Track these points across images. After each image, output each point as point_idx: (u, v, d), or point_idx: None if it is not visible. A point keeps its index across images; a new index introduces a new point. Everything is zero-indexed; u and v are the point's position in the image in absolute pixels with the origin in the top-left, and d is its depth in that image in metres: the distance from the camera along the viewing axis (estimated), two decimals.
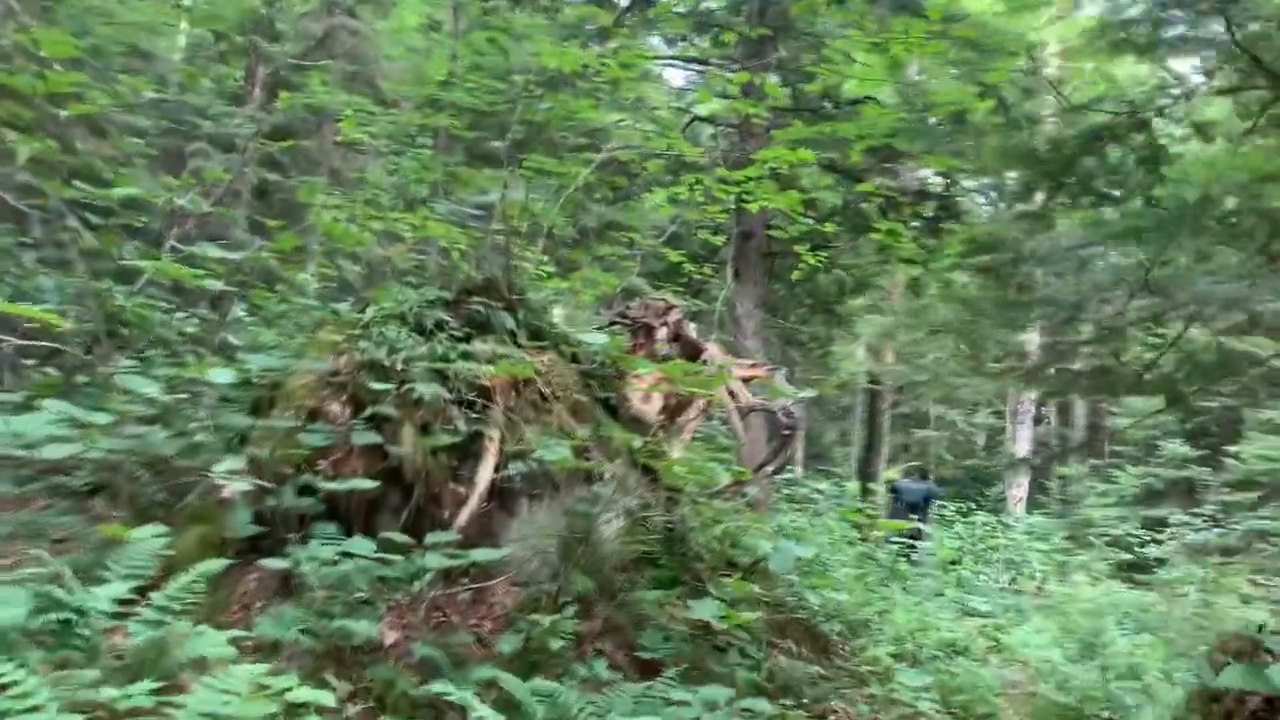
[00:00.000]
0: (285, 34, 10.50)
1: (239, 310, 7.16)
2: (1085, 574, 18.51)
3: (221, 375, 3.59)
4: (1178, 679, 5.76)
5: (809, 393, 4.33)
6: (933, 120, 10.43)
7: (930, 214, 14.96)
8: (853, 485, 19.87)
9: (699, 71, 14.09)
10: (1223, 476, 17.72)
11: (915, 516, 12.73)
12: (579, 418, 5.09)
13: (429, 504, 4.43)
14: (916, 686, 4.87)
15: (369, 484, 3.67)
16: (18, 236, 7.00)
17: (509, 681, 3.33)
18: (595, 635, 4.30)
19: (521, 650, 3.71)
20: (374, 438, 4.14)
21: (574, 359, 5.44)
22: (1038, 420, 29.34)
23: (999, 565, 15.42)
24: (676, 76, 22.14)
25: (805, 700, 4.38)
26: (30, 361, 5.82)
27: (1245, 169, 6.94)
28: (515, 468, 4.50)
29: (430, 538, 3.64)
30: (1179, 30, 7.36)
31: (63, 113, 5.13)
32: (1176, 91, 7.30)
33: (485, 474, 4.53)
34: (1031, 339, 19.22)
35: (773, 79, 11.06)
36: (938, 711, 4.82)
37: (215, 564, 3.16)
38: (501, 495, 4.59)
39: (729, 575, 4.99)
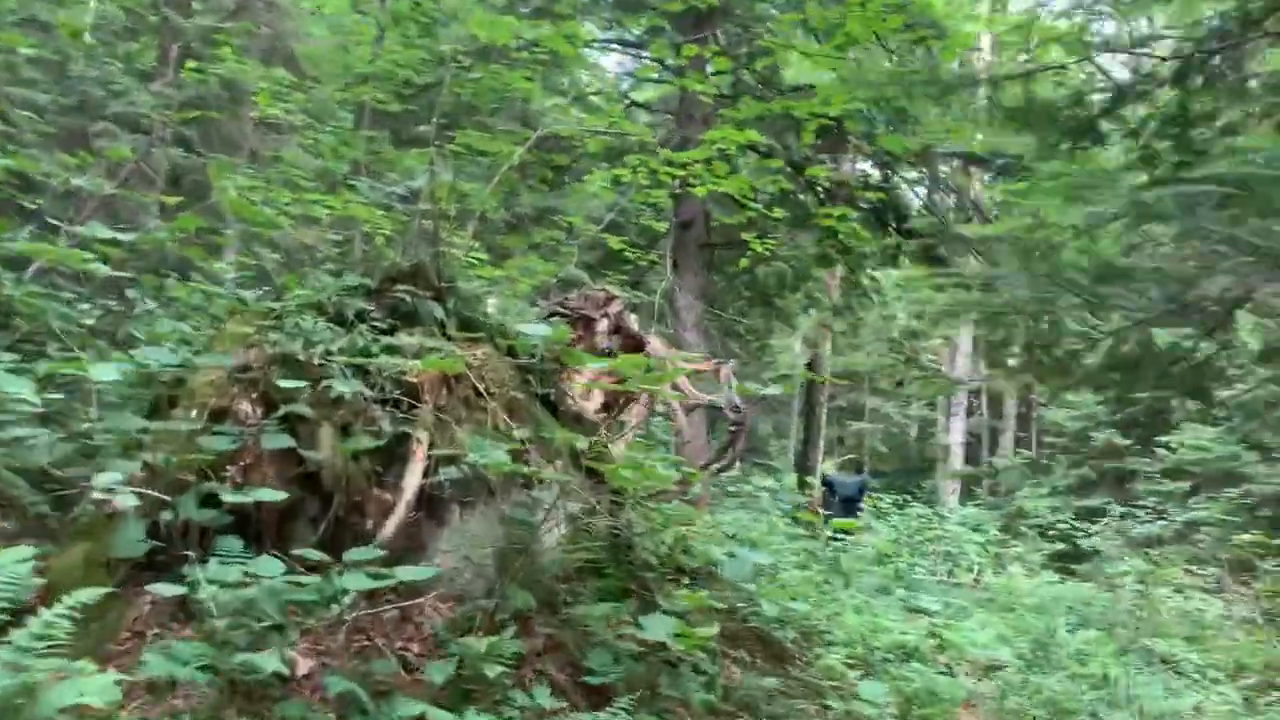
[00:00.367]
0: (197, 8, 9.87)
1: (148, 301, 6.62)
2: (1021, 565, 18.63)
3: (105, 371, 3.13)
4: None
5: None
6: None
7: (872, 204, 14.81)
8: (789, 479, 19.70)
9: (635, 55, 13.71)
10: (1156, 466, 17.90)
11: (849, 509, 12.72)
12: (516, 416, 4.69)
13: (350, 513, 4.00)
14: (876, 699, 4.58)
15: (279, 495, 3.24)
16: None
17: (439, 718, 2.93)
18: (536, 655, 3.91)
19: (454, 678, 3.31)
20: (287, 441, 3.70)
21: (510, 352, 5.04)
22: (970, 412, 29.62)
23: (936, 557, 15.35)
24: (609, 63, 21.76)
25: (763, 718, 4.06)
26: None
27: None
28: (446, 472, 4.08)
29: (351, 554, 3.21)
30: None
31: None
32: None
33: (413, 479, 4.11)
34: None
35: (711, 65, 10.73)
36: None
37: (92, 592, 2.71)
38: (431, 502, 4.18)
39: (678, 582, 4.65)
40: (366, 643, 3.60)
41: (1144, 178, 7.61)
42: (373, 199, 5.43)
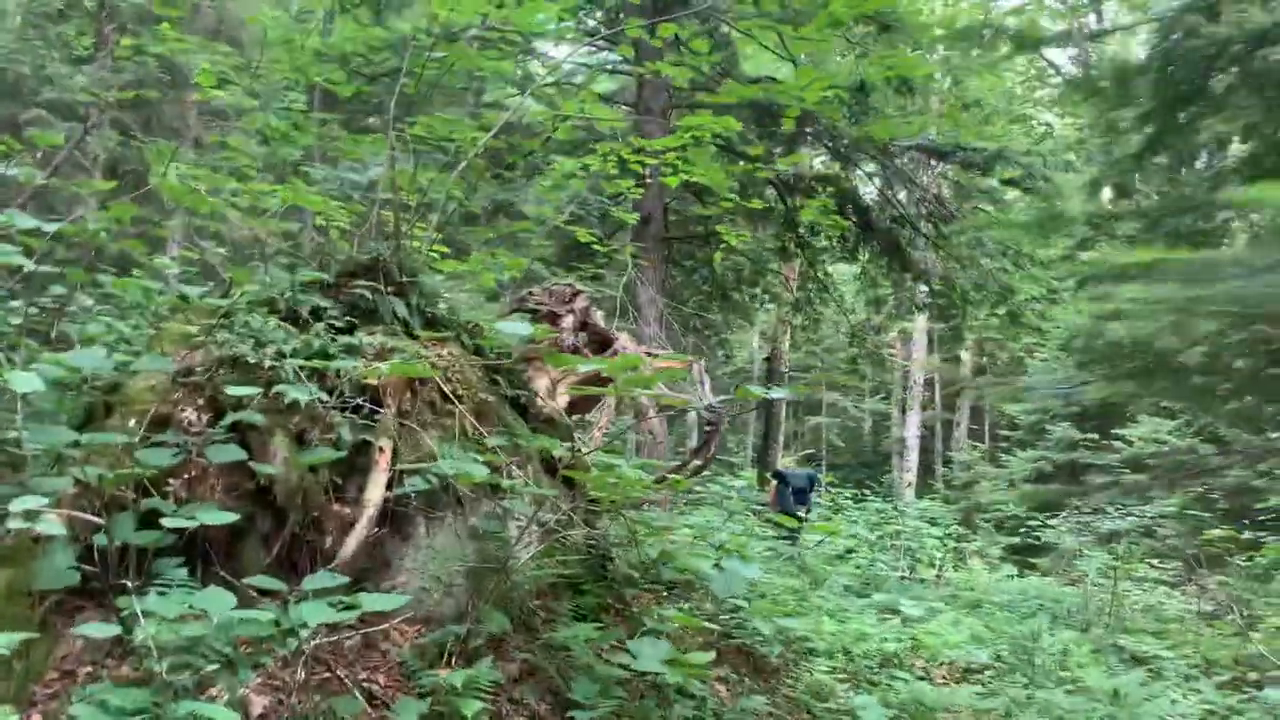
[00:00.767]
0: None
1: (85, 298, 6.17)
2: (980, 559, 18.63)
3: (26, 382, 2.75)
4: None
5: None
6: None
7: (831, 199, 14.63)
8: (749, 475, 19.52)
9: (594, 46, 13.38)
10: (1111, 459, 17.95)
11: (801, 500, 12.75)
12: (485, 420, 4.37)
13: (307, 530, 3.66)
14: (871, 714, 4.33)
15: (228, 516, 2.88)
16: None
17: None
18: (513, 681, 3.60)
19: (425, 716, 2.98)
20: (237, 453, 3.34)
21: (477, 351, 4.71)
22: (925, 406, 29.71)
23: (897, 552, 15.23)
24: (561, 55, 21.36)
25: None
26: None
27: None
28: (412, 483, 3.75)
29: (310, 581, 2.87)
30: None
31: None
32: None
33: (375, 492, 3.77)
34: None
35: (680, 52, 10.43)
36: None
37: (8, 638, 2.35)
38: (395, 516, 3.84)
39: (662, 597, 4.36)
40: (327, 675, 3.26)
41: None
42: (327, 188, 5.06)
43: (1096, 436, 20.42)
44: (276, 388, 3.66)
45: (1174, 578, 13.54)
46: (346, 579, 2.88)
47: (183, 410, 3.74)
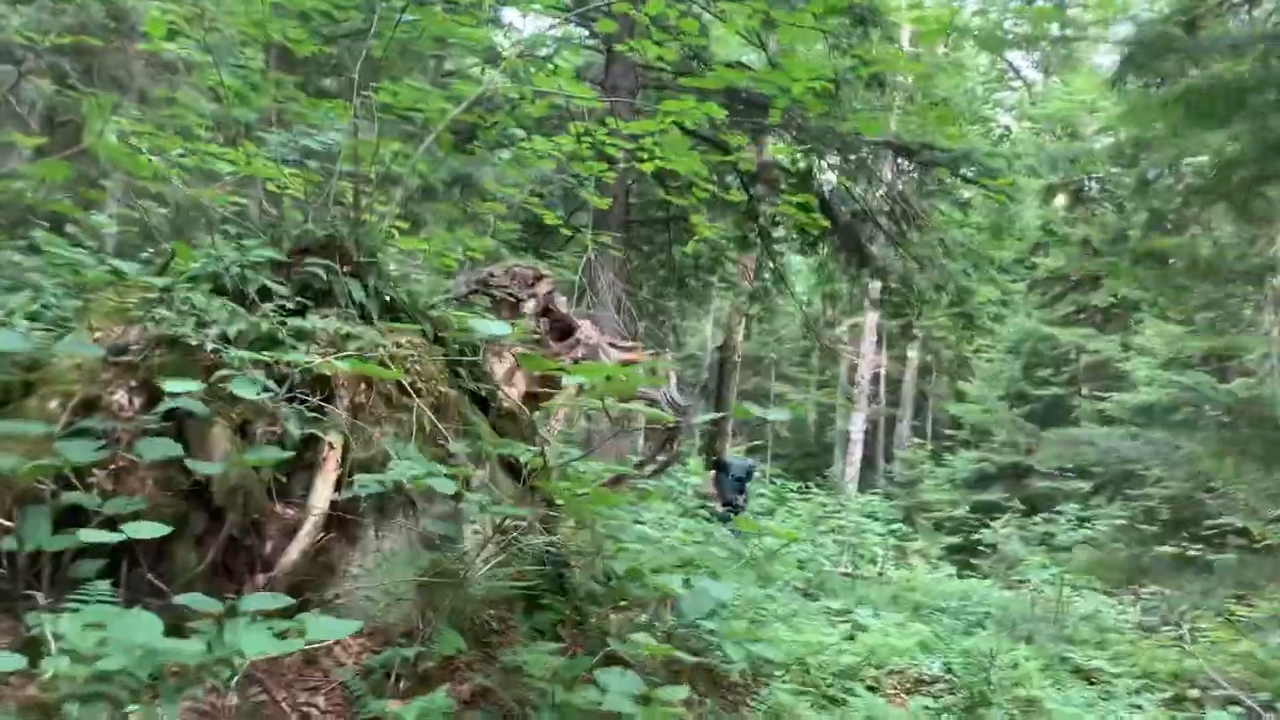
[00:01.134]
0: None
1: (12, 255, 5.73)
2: (921, 558, 18.68)
3: None
4: None
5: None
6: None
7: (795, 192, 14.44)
8: (697, 466, 19.36)
9: (572, 20, 12.98)
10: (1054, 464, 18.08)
11: (738, 489, 12.82)
12: (445, 416, 4.06)
13: (247, 534, 3.34)
14: None
15: (157, 528, 2.55)
16: None
17: None
18: (463, 704, 3.32)
19: None
20: (171, 448, 3.01)
21: (438, 341, 4.40)
22: (871, 398, 29.82)
23: (839, 547, 15.17)
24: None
25: None
26: None
27: None
28: (363, 483, 3.44)
29: (248, 601, 2.56)
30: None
31: None
32: None
33: (323, 493, 3.47)
34: None
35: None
36: None
37: None
38: (343, 520, 3.54)
39: (623, 610, 4.11)
40: (263, 697, 2.96)
41: None
42: (282, 154, 4.69)
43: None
44: (218, 373, 3.33)
45: (1109, 586, 13.63)
46: (289, 600, 2.57)
47: (113, 392, 3.40)
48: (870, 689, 6.25)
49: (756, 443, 22.76)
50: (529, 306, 6.27)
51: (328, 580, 3.50)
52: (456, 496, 3.62)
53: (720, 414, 15.43)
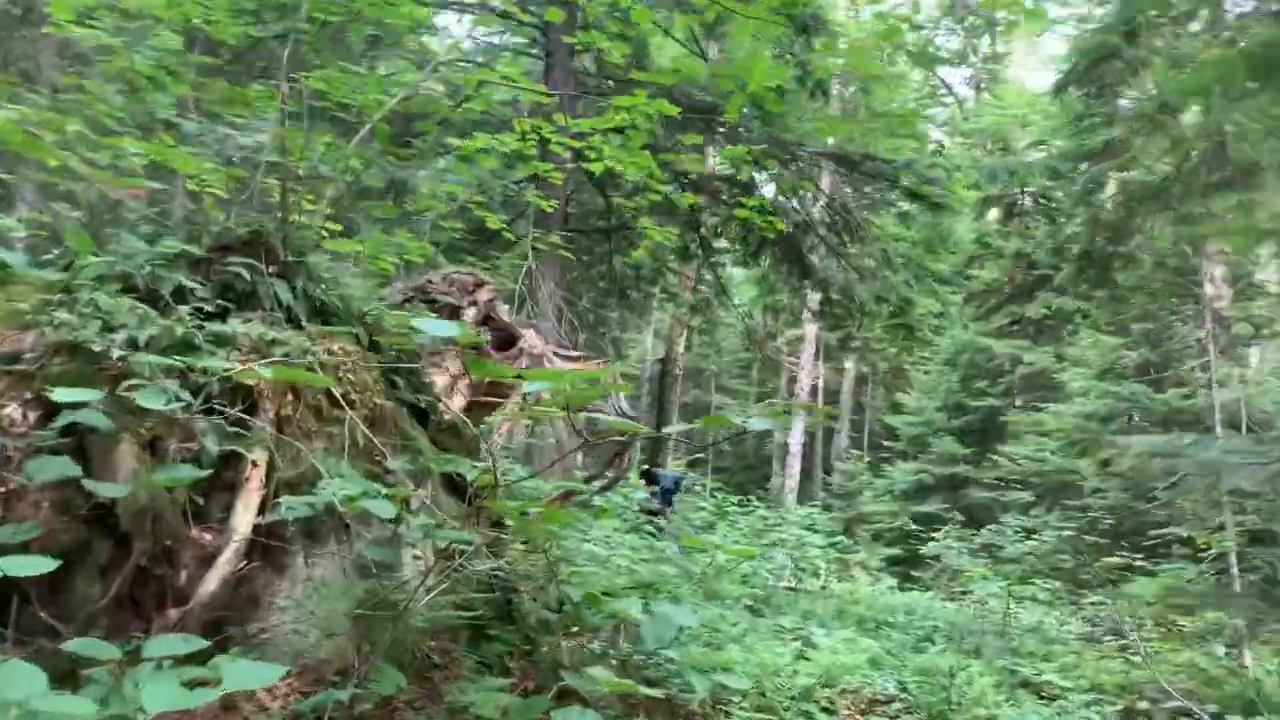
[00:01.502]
0: None
1: None
2: (863, 570, 18.60)
3: None
4: None
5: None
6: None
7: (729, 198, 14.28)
8: (634, 480, 19.08)
9: (502, 25, 12.71)
10: (992, 473, 18.18)
11: (666, 500, 13.00)
12: (380, 429, 3.73)
13: (158, 563, 2.97)
14: None
15: (46, 563, 2.19)
16: None
17: None
18: None
19: None
20: (67, 468, 2.65)
21: (373, 347, 4.06)
22: (808, 410, 29.83)
23: (782, 561, 14.98)
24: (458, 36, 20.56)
25: None
26: None
27: None
28: (290, 505, 3.09)
29: (152, 646, 2.20)
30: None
31: None
32: None
33: (245, 516, 3.11)
34: None
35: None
36: None
37: None
38: (268, 546, 3.19)
39: (579, 639, 3.81)
40: None
41: None
42: (202, 148, 4.32)
43: (977, 450, 20.73)
44: (125, 384, 2.97)
45: (1051, 597, 13.65)
46: (202, 643, 2.23)
47: (3, 406, 3.02)
48: (826, 710, 6.02)
49: (696, 455, 22.57)
50: (469, 315, 5.96)
51: (251, 613, 3.14)
52: (395, 519, 3.28)
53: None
